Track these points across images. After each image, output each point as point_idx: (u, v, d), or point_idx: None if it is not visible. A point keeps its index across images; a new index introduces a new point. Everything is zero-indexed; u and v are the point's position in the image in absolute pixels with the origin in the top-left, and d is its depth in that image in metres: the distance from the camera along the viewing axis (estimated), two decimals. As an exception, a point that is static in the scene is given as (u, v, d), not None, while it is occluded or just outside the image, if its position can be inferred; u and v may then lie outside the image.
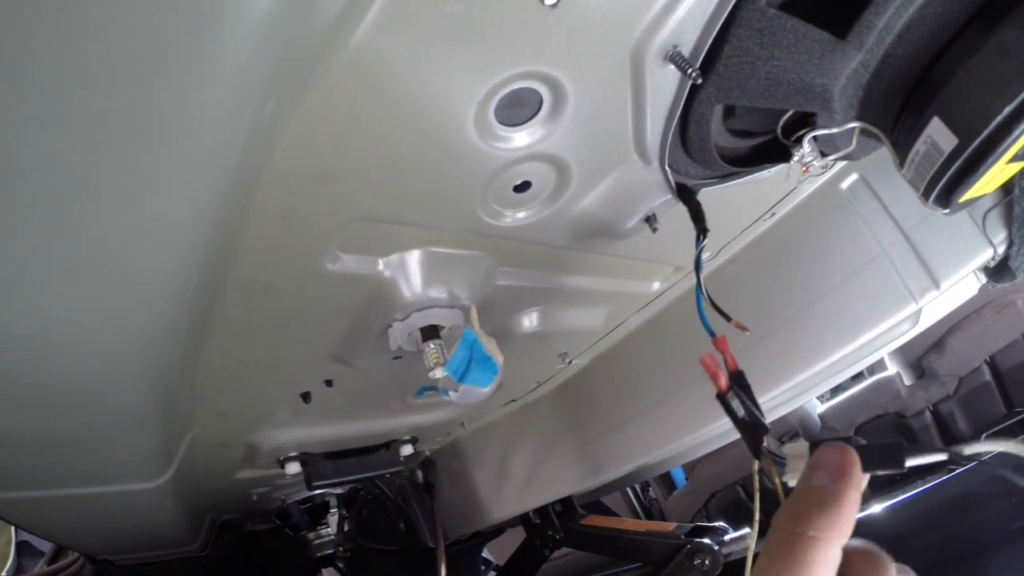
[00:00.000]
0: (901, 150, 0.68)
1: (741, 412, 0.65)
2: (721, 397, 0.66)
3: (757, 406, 0.65)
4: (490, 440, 1.54)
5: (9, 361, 0.67)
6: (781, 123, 0.74)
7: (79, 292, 0.61)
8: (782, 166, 0.79)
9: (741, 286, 1.17)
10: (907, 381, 2.56)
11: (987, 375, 2.49)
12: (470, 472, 1.54)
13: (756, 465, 0.63)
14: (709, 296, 0.71)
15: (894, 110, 0.67)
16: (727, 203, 0.90)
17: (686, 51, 0.63)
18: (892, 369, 2.59)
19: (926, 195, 0.67)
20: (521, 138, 0.66)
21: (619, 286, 1.07)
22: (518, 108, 0.64)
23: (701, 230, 0.76)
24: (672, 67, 0.64)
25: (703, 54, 0.63)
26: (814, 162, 0.73)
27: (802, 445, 0.64)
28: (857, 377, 2.64)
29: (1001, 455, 0.60)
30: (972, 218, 1.06)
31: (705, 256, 1.12)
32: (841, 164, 1.08)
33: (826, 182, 1.11)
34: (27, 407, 0.76)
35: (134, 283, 0.63)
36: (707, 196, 0.81)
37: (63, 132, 0.46)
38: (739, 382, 0.65)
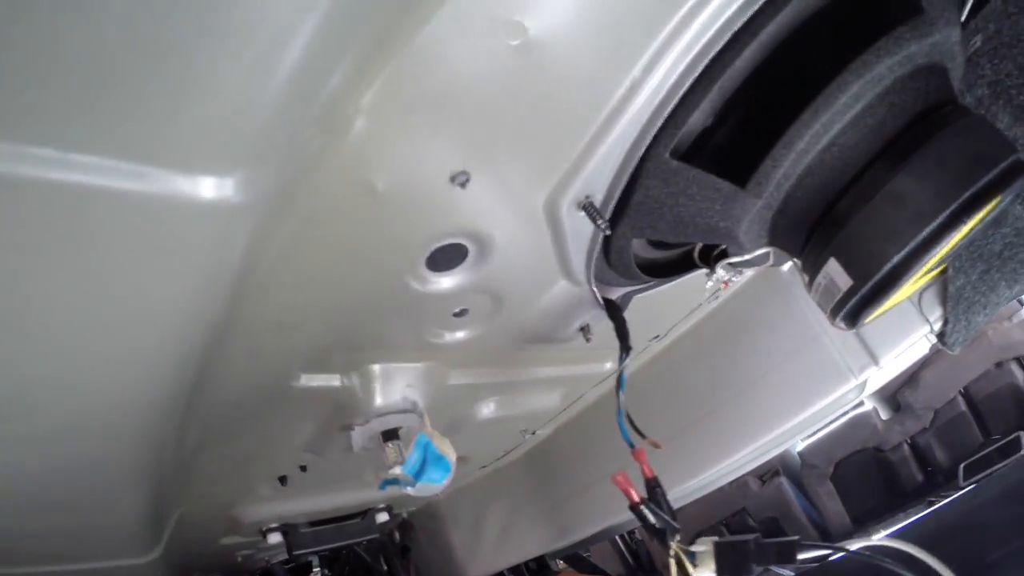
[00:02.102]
0: (808, 275, 0.72)
1: (652, 519, 0.72)
2: (634, 508, 0.72)
3: (670, 510, 0.72)
4: (465, 502, 1.60)
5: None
6: (696, 250, 0.81)
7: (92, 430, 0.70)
8: (704, 279, 0.86)
9: (689, 363, 1.24)
10: (884, 416, 2.62)
11: (962, 406, 2.55)
12: (446, 532, 1.61)
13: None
14: (629, 417, 0.77)
15: (800, 240, 0.71)
16: (672, 292, 0.95)
17: (598, 199, 0.70)
18: (869, 405, 2.65)
19: (832, 318, 0.72)
20: (453, 280, 0.74)
21: (571, 371, 1.13)
22: (447, 258, 0.71)
23: (625, 348, 0.82)
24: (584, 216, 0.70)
25: (614, 201, 0.69)
26: (732, 278, 0.79)
27: (709, 540, 0.72)
28: (834, 414, 2.68)
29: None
30: (909, 298, 1.11)
31: (651, 339, 1.19)
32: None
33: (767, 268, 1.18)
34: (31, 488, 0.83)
35: (132, 409, 0.71)
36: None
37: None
38: (652, 491, 0.72)
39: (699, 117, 0.67)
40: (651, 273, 0.84)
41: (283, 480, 1.13)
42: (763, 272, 1.19)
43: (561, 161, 0.66)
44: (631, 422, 0.78)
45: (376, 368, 0.87)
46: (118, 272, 0.52)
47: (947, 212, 0.59)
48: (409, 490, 0.93)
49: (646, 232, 0.74)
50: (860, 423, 2.67)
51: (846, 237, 0.64)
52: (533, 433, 1.39)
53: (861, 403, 2.60)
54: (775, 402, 1.18)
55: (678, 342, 1.25)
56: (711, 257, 0.82)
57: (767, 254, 0.77)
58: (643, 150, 0.65)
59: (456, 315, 0.81)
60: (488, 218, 0.68)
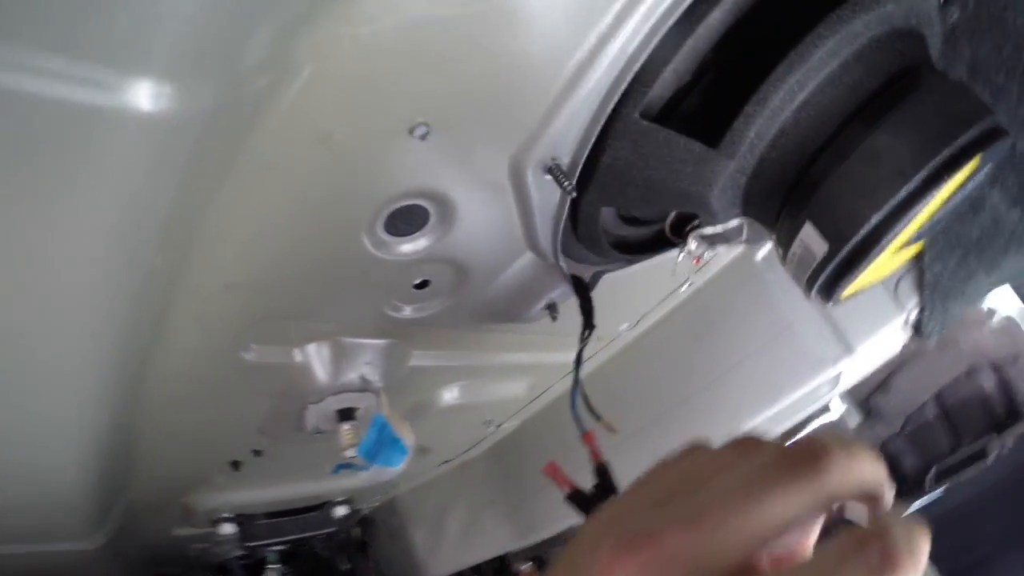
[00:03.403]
0: (783, 247, 0.69)
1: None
2: (569, 497, 0.70)
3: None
4: (427, 498, 1.56)
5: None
6: (668, 222, 0.78)
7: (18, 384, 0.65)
8: (675, 256, 0.83)
9: (660, 354, 1.21)
10: (854, 422, 2.62)
11: (933, 412, 2.55)
12: (407, 529, 1.56)
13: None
14: (585, 397, 0.74)
15: (775, 207, 0.68)
16: (642, 276, 0.93)
17: (565, 162, 0.67)
18: (837, 414, 2.64)
19: (807, 291, 0.69)
20: (414, 246, 0.70)
21: (538, 358, 1.10)
22: (407, 221, 0.67)
23: (587, 325, 0.79)
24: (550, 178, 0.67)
25: (581, 164, 0.66)
26: (704, 254, 0.76)
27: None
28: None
29: None
30: (884, 285, 1.10)
31: (623, 328, 1.16)
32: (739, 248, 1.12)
33: (741, 254, 1.16)
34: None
35: (66, 375, 0.67)
36: (620, 272, 0.85)
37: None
38: (602, 477, 0.68)
39: (670, 77, 0.64)
40: (622, 251, 0.81)
41: (236, 465, 1.09)
42: (736, 261, 1.17)
43: (526, 118, 0.63)
44: (587, 402, 0.74)
45: (331, 343, 0.82)
46: (37, 200, 0.47)
47: (926, 169, 0.57)
48: (363, 475, 0.89)
49: (615, 200, 0.71)
50: (829, 430, 2.66)
51: (821, 198, 0.61)
52: (498, 426, 1.35)
53: (828, 410, 2.59)
54: (747, 393, 1.16)
55: (648, 332, 1.23)
56: (683, 233, 0.79)
57: (740, 227, 0.75)
58: (611, 109, 0.62)
59: (417, 287, 0.77)
60: (450, 178, 0.64)
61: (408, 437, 0.85)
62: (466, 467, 1.51)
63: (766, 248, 1.16)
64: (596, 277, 0.86)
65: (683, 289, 1.16)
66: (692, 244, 0.76)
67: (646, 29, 0.58)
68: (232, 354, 0.77)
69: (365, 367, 0.86)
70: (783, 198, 0.66)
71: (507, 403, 1.26)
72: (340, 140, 0.55)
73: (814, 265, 0.65)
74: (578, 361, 0.77)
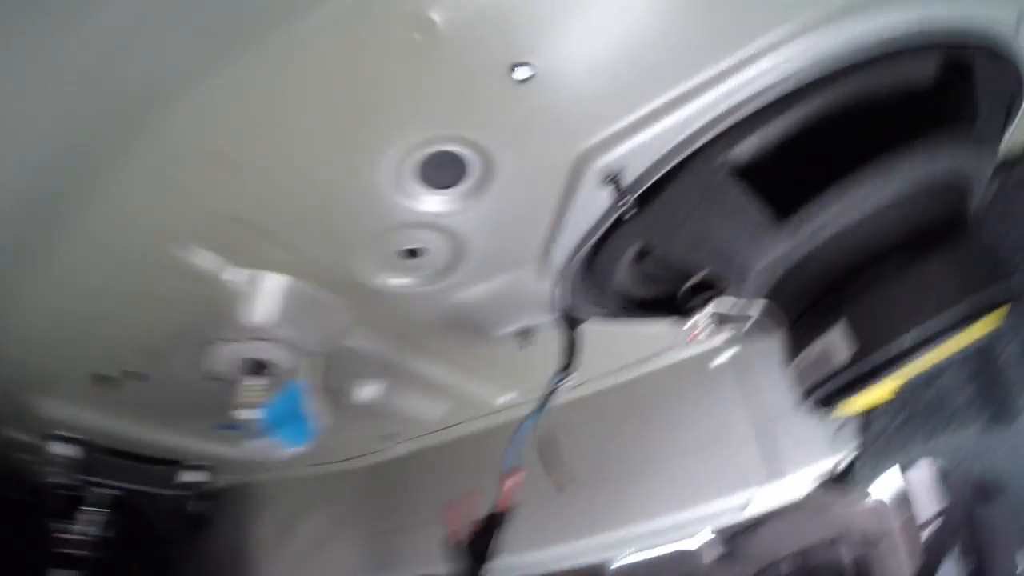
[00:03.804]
0: (794, 346, 0.67)
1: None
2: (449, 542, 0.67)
3: (481, 556, 0.65)
4: (284, 496, 1.40)
5: None
6: (690, 283, 0.72)
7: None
8: (671, 324, 0.77)
9: (588, 426, 1.14)
10: (711, 556, 2.60)
11: (789, 568, 2.57)
12: (251, 523, 1.39)
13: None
14: (546, 443, 0.67)
15: (802, 303, 0.66)
16: (606, 338, 0.87)
17: (627, 179, 0.61)
18: (700, 540, 2.62)
19: (805, 396, 0.67)
20: (434, 203, 0.62)
21: (469, 387, 1.02)
22: (443, 171, 0.59)
23: (566, 365, 0.72)
24: (608, 190, 0.61)
25: (642, 189, 0.61)
26: (705, 331, 0.70)
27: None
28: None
29: None
30: (826, 426, 1.07)
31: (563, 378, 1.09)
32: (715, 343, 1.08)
33: (698, 355, 1.12)
34: None
35: None
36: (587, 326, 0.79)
37: None
38: (489, 524, 0.63)
39: (756, 142, 0.61)
40: (622, 303, 0.76)
41: (101, 381, 0.93)
42: (689, 362, 1.13)
43: (619, 114, 0.57)
44: (546, 450, 0.67)
45: (279, 278, 0.71)
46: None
47: (966, 305, 0.57)
48: (249, 444, 0.76)
49: (657, 239, 0.66)
50: (682, 559, 2.63)
51: (863, 306, 0.60)
52: (395, 443, 1.24)
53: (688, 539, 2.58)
54: (667, 492, 1.10)
55: (590, 398, 1.16)
56: (691, 304, 0.73)
57: (750, 315, 0.71)
58: (694, 147, 0.59)
59: (405, 254, 0.68)
60: (520, 141, 0.57)
61: (323, 418, 0.74)
62: (340, 477, 1.37)
63: (722, 358, 1.12)
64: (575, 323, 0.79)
65: (632, 371, 1.11)
66: (709, 309, 0.70)
67: (758, 86, 0.56)
68: (167, 243, 0.65)
69: (302, 321, 0.75)
70: (816, 296, 0.64)
71: (417, 422, 1.15)
72: (438, 30, 0.47)
73: (828, 370, 0.62)
74: (544, 400, 0.69)
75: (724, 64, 0.54)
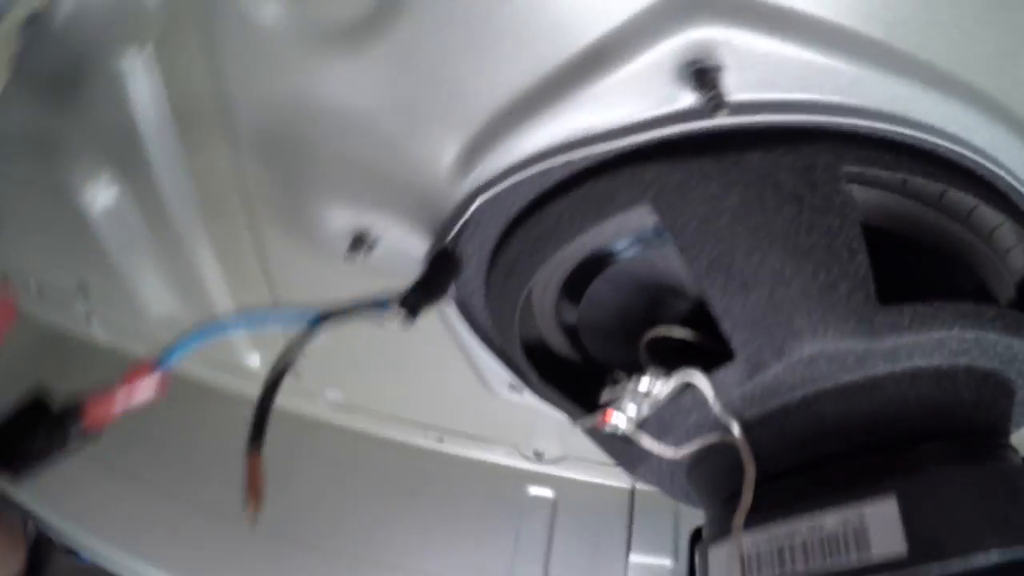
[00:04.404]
0: (766, 511, 0.39)
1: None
2: None
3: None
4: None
5: None
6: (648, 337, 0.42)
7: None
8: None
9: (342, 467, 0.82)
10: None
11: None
12: None
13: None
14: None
15: (787, 456, 0.40)
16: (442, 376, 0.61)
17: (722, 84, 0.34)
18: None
19: None
20: None
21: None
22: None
23: (415, 299, 0.40)
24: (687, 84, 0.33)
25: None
26: (620, 422, 0.40)
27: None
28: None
29: None
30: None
31: (330, 395, 0.78)
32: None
33: (523, 471, 0.82)
34: None
35: None
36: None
37: None
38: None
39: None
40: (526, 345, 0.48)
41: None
42: (508, 473, 0.81)
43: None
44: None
45: None
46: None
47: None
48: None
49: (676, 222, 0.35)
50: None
51: (931, 487, 0.37)
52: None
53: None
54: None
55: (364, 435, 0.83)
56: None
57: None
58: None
59: None
60: None
61: None
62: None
63: (545, 491, 0.82)
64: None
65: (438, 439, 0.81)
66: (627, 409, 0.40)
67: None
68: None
69: None
70: (818, 453, 0.39)
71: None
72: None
73: (857, 562, 0.34)
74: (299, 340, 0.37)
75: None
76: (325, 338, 0.36)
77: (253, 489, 0.29)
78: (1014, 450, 0.41)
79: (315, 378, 0.75)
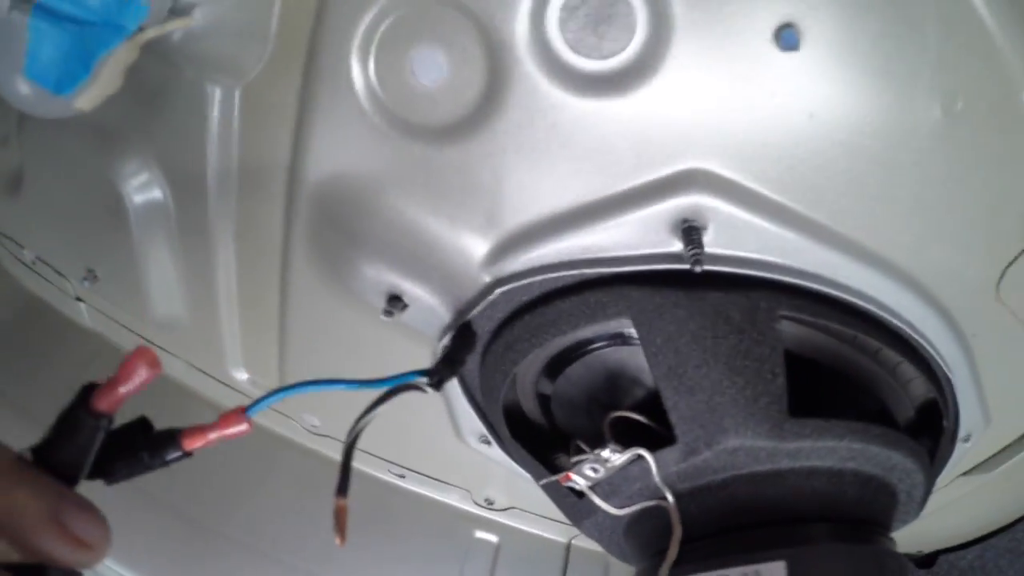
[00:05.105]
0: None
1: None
2: None
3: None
4: None
5: None
6: (613, 416, 0.52)
7: None
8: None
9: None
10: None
11: None
12: None
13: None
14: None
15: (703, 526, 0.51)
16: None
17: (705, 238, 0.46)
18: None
19: None
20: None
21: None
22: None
23: (442, 370, 0.49)
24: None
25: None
26: (578, 482, 0.49)
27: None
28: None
29: None
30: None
31: (309, 422, 0.85)
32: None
33: (473, 515, 0.89)
34: None
35: None
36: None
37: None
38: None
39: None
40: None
41: None
42: (461, 518, 0.90)
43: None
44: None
45: None
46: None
47: None
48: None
49: (649, 331, 0.46)
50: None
51: (815, 556, 0.48)
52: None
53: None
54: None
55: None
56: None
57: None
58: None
59: None
60: None
61: (94, 91, 0.46)
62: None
63: (491, 538, 0.90)
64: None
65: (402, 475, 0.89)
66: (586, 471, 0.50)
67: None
68: None
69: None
70: (727, 524, 0.50)
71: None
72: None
73: None
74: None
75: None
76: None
77: (340, 527, 0.37)
78: (891, 540, 0.53)
79: (297, 402, 0.82)
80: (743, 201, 0.44)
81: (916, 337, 0.51)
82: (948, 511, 0.75)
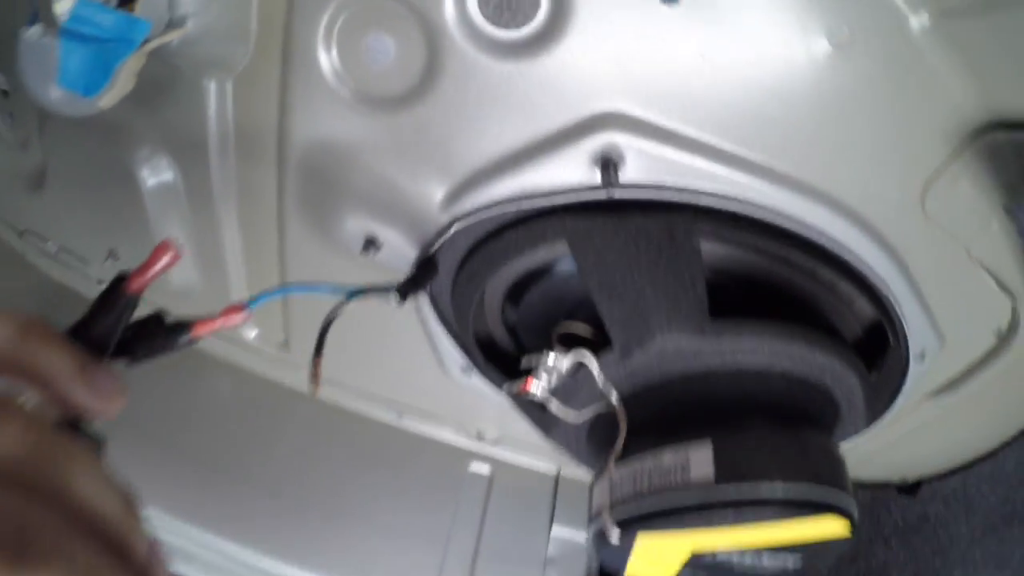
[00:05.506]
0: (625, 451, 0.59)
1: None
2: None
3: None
4: None
5: None
6: (558, 331, 0.61)
7: None
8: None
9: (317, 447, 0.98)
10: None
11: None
12: None
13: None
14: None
15: (648, 414, 0.59)
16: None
17: (622, 172, 0.54)
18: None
19: (616, 504, 0.58)
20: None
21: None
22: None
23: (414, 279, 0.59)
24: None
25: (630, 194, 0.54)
26: (536, 389, 0.57)
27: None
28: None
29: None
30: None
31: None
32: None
33: (465, 449, 0.99)
34: None
35: None
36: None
37: None
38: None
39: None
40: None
41: None
42: (451, 453, 1.00)
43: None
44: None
45: None
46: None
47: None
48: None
49: (583, 254, 0.55)
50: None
51: (746, 439, 0.56)
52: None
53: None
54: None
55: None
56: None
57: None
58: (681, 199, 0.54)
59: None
60: None
61: (115, 90, 0.53)
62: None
63: (483, 467, 0.99)
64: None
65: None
66: (564, 361, 0.58)
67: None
68: None
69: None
70: (669, 413, 0.59)
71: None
72: None
73: (674, 481, 0.54)
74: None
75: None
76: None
77: (315, 379, 0.46)
78: (826, 437, 0.59)
79: (302, 352, 0.91)
80: (653, 135, 0.52)
81: (845, 256, 0.55)
82: (924, 435, 0.81)
